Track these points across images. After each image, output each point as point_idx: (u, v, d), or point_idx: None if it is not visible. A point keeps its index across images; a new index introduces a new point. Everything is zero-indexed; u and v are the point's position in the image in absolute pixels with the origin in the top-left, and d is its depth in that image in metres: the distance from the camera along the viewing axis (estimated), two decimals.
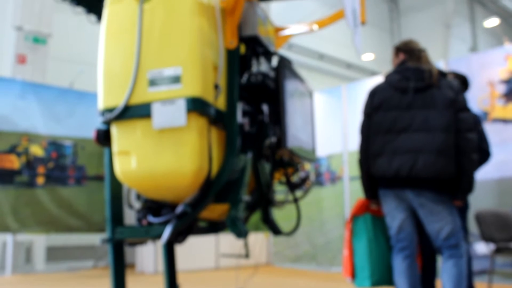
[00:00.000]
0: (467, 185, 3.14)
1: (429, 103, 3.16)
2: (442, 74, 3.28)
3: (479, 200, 5.36)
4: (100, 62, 2.59)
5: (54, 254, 8.40)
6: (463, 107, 3.16)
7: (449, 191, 3.17)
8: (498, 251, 4.55)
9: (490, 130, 4.99)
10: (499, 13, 21.00)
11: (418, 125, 3.14)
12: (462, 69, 5.51)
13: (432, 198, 3.15)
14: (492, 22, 19.04)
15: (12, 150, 7.32)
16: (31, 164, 7.44)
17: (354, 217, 3.57)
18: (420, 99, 3.19)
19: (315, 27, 3.68)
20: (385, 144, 3.21)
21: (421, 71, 3.24)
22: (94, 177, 8.02)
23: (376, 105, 3.32)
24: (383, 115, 3.27)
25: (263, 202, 3.06)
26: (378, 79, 7.31)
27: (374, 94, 3.38)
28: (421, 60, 3.32)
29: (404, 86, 3.24)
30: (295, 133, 2.96)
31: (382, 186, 3.33)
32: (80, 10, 3.94)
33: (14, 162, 7.29)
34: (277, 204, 3.24)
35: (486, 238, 4.60)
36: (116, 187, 3.23)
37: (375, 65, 17.48)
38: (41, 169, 7.53)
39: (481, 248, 5.56)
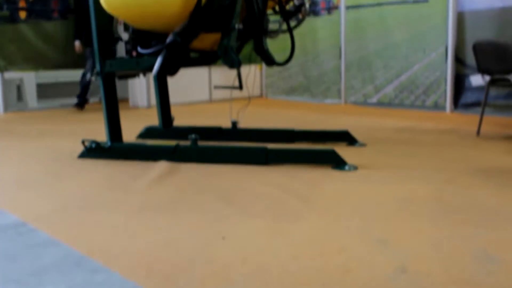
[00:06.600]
0: None
1: None
2: None
3: (479, 31, 5.20)
4: None
5: (45, 91, 8.32)
6: None
7: None
8: (493, 82, 4.51)
9: None
10: None
11: None
12: None
13: None
14: None
15: None
16: None
17: None
18: None
19: None
20: None
21: None
22: None
23: None
24: None
25: (256, 31, 2.94)
26: None
27: None
28: None
29: None
30: None
31: None
32: None
33: None
34: (270, 34, 3.12)
35: (482, 69, 4.54)
36: (103, 19, 3.07)
37: None
38: (22, 3, 7.19)
39: (477, 80, 5.54)
